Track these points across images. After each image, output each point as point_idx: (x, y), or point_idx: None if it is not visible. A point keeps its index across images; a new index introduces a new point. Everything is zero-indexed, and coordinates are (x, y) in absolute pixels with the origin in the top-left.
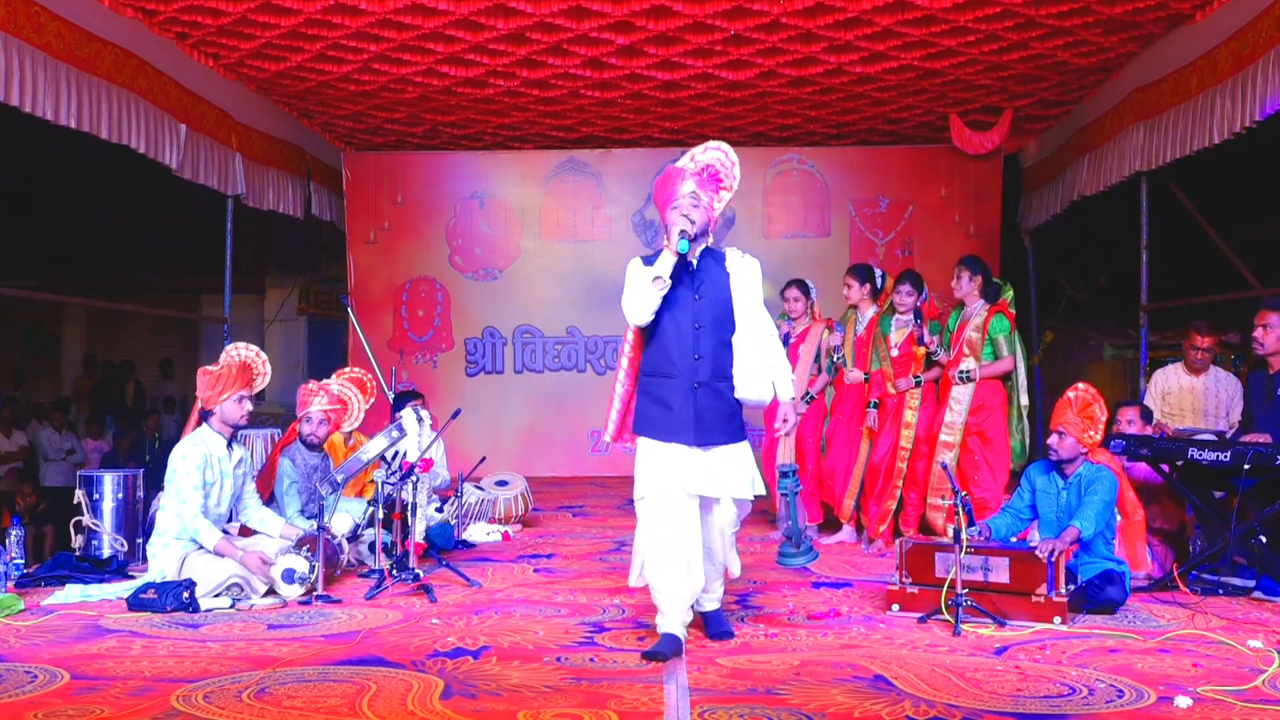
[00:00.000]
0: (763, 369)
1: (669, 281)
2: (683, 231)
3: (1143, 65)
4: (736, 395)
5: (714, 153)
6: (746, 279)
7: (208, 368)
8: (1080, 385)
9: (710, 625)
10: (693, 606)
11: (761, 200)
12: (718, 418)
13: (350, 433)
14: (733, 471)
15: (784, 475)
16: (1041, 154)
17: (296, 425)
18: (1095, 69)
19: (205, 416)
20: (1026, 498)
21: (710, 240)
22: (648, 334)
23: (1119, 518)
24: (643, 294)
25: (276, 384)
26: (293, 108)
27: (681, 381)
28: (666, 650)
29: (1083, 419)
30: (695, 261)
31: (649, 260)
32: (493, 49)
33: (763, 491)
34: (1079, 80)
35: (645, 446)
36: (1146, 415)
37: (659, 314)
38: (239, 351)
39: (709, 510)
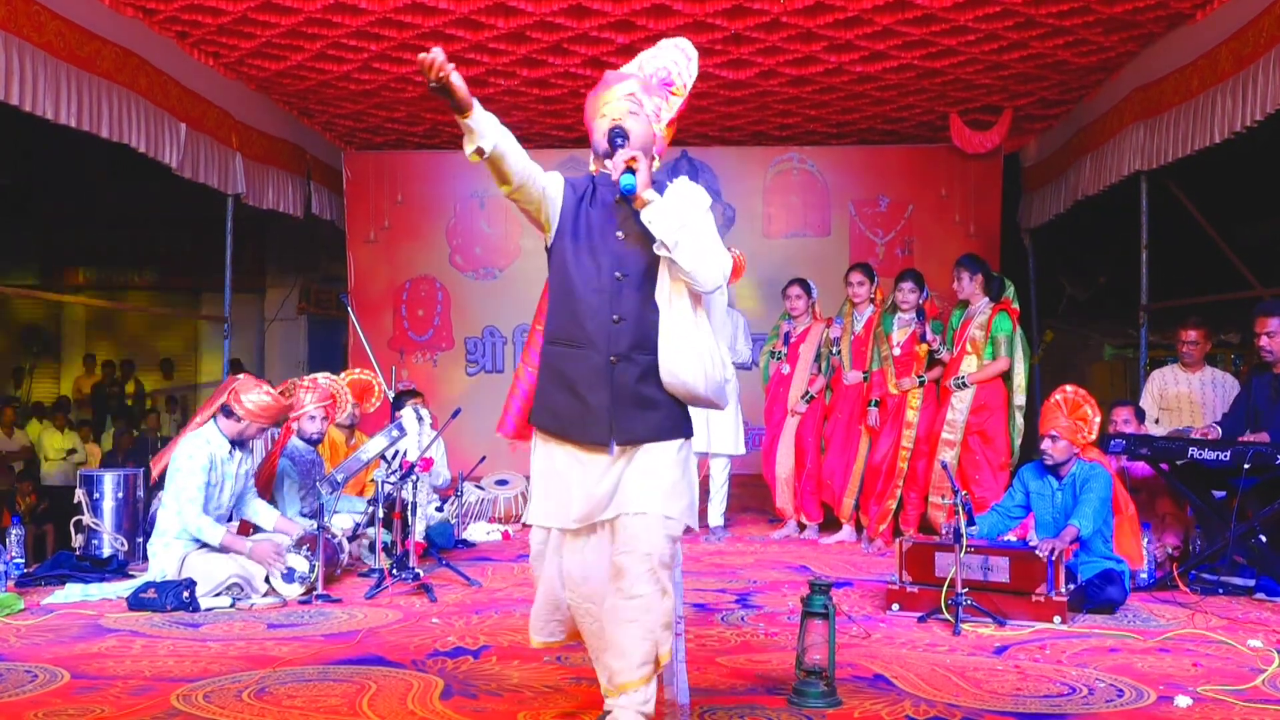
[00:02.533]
0: (692, 340)
1: (490, 150)
2: (629, 167)
3: (1143, 65)
4: (661, 375)
5: (670, 53)
6: (685, 202)
7: (273, 393)
8: (1068, 387)
9: None
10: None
11: (761, 200)
12: (644, 406)
13: (352, 429)
14: (655, 483)
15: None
16: (1042, 154)
17: (293, 424)
18: (1095, 68)
19: (225, 412)
20: (1018, 498)
21: (656, 164)
22: (552, 279)
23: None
24: (469, 140)
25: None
26: (293, 107)
27: (593, 354)
28: None
29: (1075, 421)
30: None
31: (576, 184)
32: (493, 48)
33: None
34: (1079, 80)
35: (540, 452)
36: (1140, 415)
37: (564, 255)
38: (308, 394)
39: (630, 538)
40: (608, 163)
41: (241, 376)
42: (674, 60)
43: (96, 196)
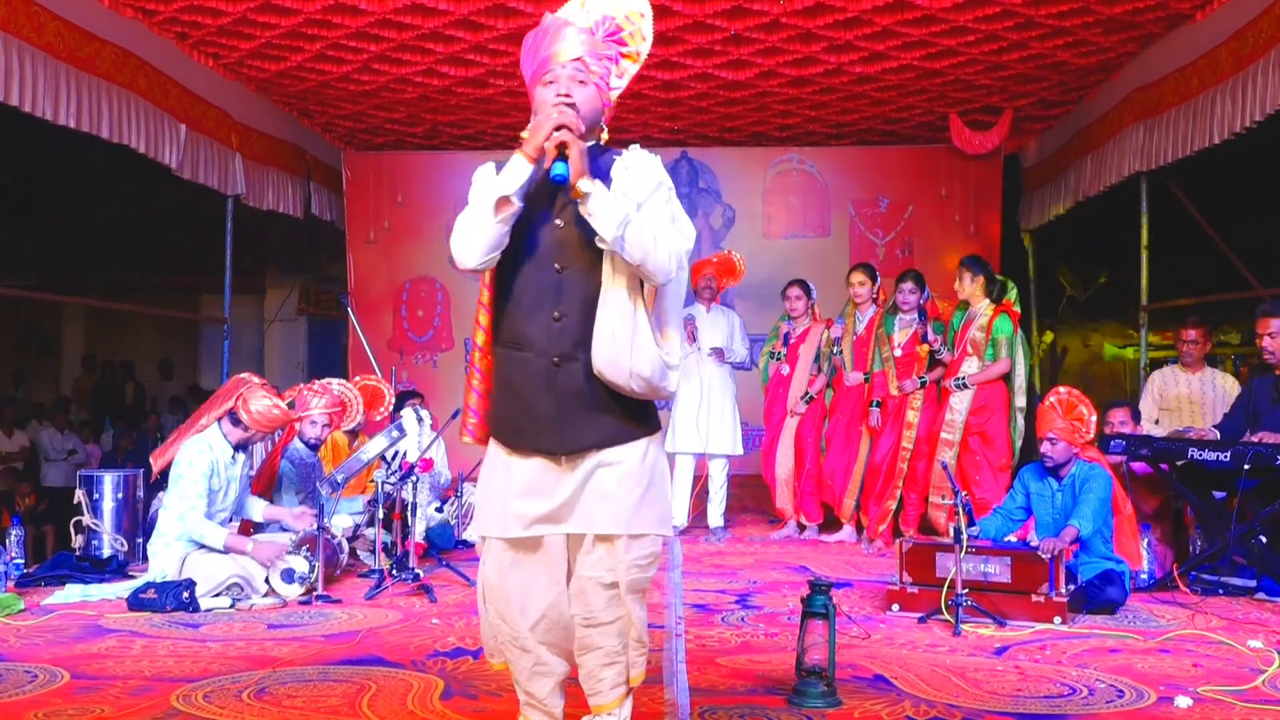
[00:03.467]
0: (631, 332)
1: (519, 204)
2: (562, 145)
3: (1143, 65)
4: (594, 368)
5: (614, 2)
6: (632, 183)
7: (282, 405)
8: (1061, 389)
9: None
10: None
11: (761, 200)
12: (594, 408)
13: (355, 433)
14: (619, 498)
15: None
16: (1042, 154)
17: (296, 426)
18: (1095, 69)
19: (232, 417)
20: (1019, 499)
21: (604, 135)
22: (495, 276)
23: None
24: (475, 221)
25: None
26: (292, 108)
27: (535, 357)
28: None
29: (1072, 421)
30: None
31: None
32: (493, 49)
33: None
34: (1079, 80)
35: (491, 456)
36: (1136, 415)
37: (507, 244)
38: (318, 400)
39: (590, 560)
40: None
41: (247, 377)
42: (622, 10)
43: (96, 196)
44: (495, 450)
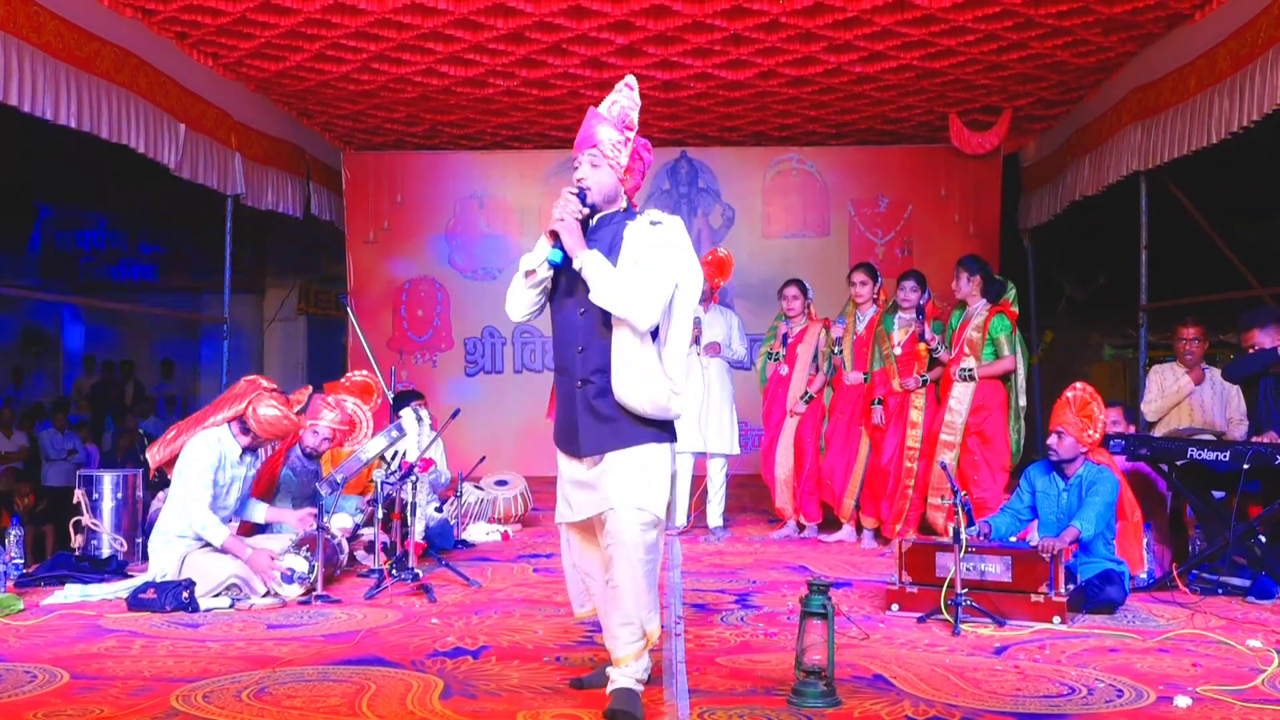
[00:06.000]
0: (636, 366)
1: (543, 275)
2: (555, 236)
3: (1142, 65)
4: (615, 396)
5: (624, 94)
6: (640, 248)
7: (291, 415)
8: (1078, 385)
9: (615, 709)
10: (604, 672)
11: (761, 200)
12: (603, 423)
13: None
14: (621, 481)
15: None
16: (1041, 154)
17: (300, 430)
18: (1094, 69)
19: (240, 424)
20: (1026, 498)
21: (621, 203)
22: (553, 322)
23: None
24: (514, 288)
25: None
26: (292, 107)
27: (569, 379)
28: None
29: (1082, 418)
30: (592, 227)
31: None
32: (492, 48)
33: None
34: (1078, 80)
35: (559, 461)
36: (1129, 414)
37: (555, 292)
38: (329, 415)
39: (610, 531)
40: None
41: (256, 379)
42: (628, 99)
43: (96, 196)
44: (559, 453)
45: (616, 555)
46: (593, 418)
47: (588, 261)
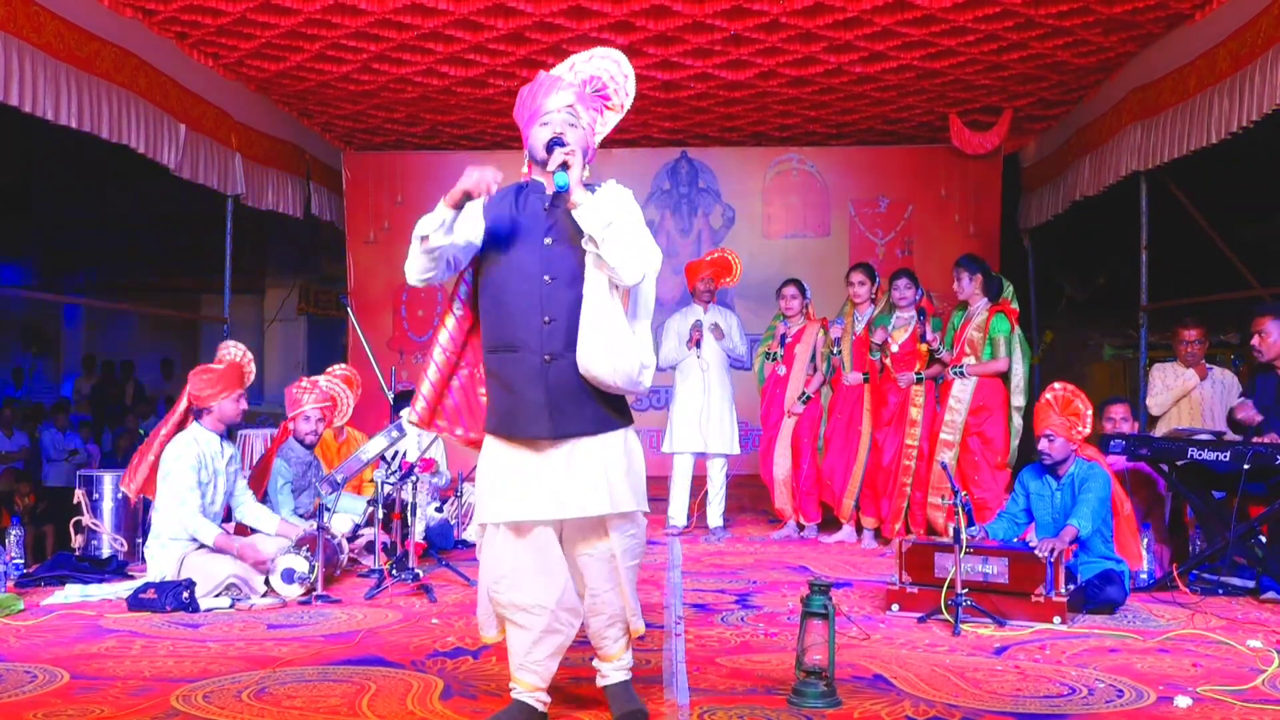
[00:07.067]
0: (612, 334)
1: (437, 242)
2: (564, 163)
3: (1142, 65)
4: (579, 366)
5: (602, 61)
6: (612, 204)
7: (209, 366)
8: (1056, 385)
9: (616, 704)
10: (599, 671)
11: (761, 200)
12: (580, 399)
13: (342, 427)
14: (602, 479)
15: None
16: (1041, 154)
17: (289, 424)
18: (1094, 69)
19: (198, 415)
20: (1021, 502)
21: (587, 173)
22: (483, 291)
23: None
24: (411, 251)
25: (277, 384)
26: (292, 107)
27: (528, 355)
28: None
29: (1068, 417)
30: (550, 194)
31: (499, 199)
32: (492, 49)
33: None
34: (1078, 80)
35: (488, 451)
36: (1135, 411)
37: (493, 268)
38: (236, 350)
39: (587, 539)
40: (538, 173)
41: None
42: (608, 71)
43: (96, 196)
44: (490, 444)
45: (593, 566)
46: (568, 396)
47: (595, 206)
